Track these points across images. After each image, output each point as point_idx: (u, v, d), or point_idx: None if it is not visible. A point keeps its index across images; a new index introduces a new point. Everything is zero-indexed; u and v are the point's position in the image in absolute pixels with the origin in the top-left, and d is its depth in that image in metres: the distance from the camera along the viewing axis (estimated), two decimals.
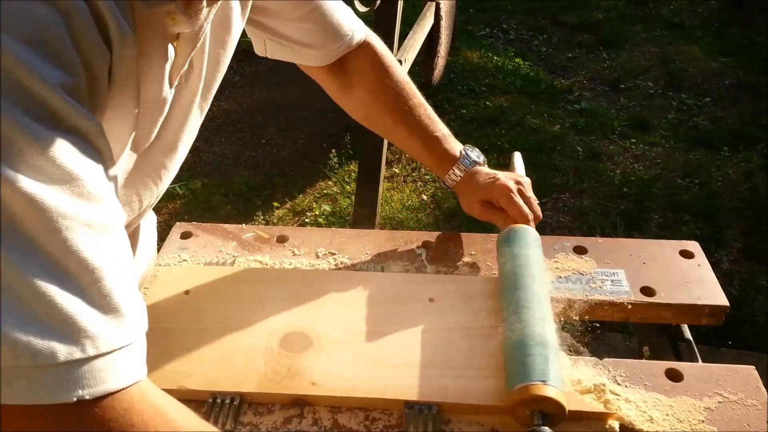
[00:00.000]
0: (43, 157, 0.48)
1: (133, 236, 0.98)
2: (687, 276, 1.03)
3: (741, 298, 2.47)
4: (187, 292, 0.98)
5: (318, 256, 1.09)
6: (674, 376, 0.86)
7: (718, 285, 1.01)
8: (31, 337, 0.47)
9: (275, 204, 3.03)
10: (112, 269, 0.52)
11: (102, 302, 0.51)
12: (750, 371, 0.87)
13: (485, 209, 1.06)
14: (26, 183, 0.47)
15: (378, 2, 2.14)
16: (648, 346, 1.04)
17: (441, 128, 1.10)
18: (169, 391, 0.82)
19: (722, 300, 0.99)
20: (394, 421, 0.81)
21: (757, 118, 3.61)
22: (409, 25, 2.88)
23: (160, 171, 0.80)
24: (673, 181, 3.16)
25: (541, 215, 1.05)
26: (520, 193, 1.04)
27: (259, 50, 1.05)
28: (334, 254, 1.10)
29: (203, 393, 0.82)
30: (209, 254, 1.10)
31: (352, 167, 3.20)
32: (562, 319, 0.95)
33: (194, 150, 3.41)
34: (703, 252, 1.08)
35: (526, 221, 1.01)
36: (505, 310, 0.88)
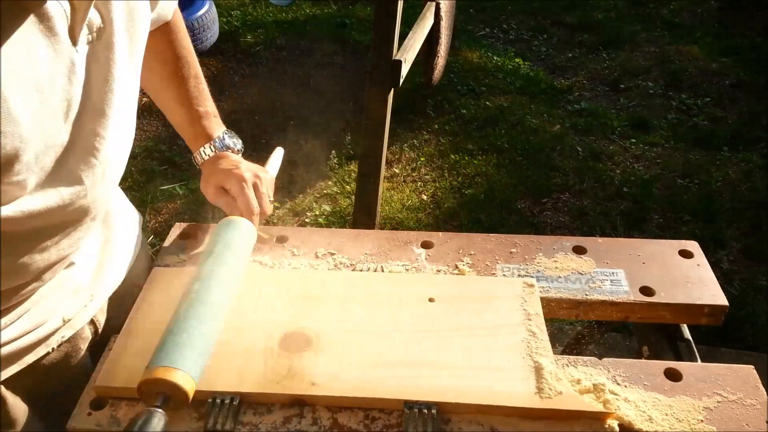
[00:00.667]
0: None
1: (112, 233, 0.96)
2: (686, 276, 1.03)
3: (741, 298, 2.47)
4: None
5: (317, 257, 1.09)
6: (673, 375, 0.86)
7: (718, 285, 1.01)
8: None
9: (275, 204, 3.03)
10: None
11: None
12: (749, 371, 0.87)
13: (218, 194, 1.07)
14: None
15: None
16: (647, 346, 1.05)
17: (208, 105, 1.10)
18: None
19: (722, 300, 0.99)
20: (394, 420, 0.81)
21: (757, 118, 3.62)
22: (409, 25, 2.89)
23: (93, 140, 0.74)
24: (672, 181, 3.17)
25: (268, 212, 1.06)
26: (255, 187, 1.04)
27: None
28: (334, 254, 1.10)
29: (203, 393, 0.82)
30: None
31: (352, 167, 3.20)
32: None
33: None
34: (702, 252, 1.08)
35: (250, 214, 1.02)
36: (183, 293, 0.88)
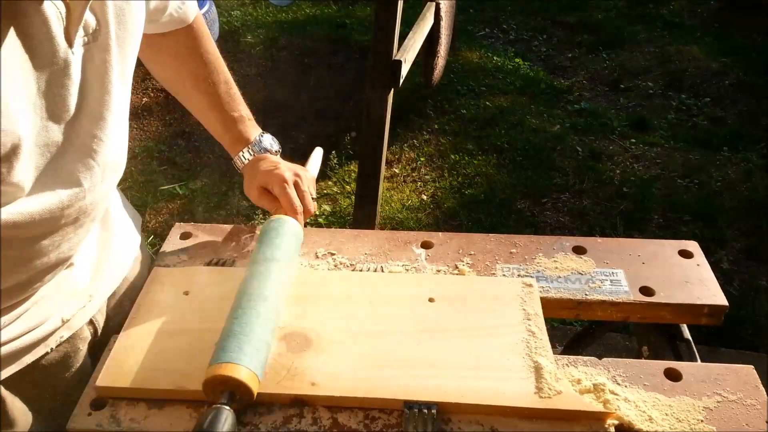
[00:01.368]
0: None
1: (111, 234, 0.96)
2: (686, 276, 1.03)
3: (740, 298, 2.47)
4: (186, 293, 0.98)
5: (317, 257, 1.09)
6: (673, 375, 0.86)
7: (718, 285, 1.01)
8: None
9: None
10: None
11: None
12: (749, 371, 0.87)
13: (261, 195, 1.07)
14: None
15: None
16: (647, 346, 1.05)
17: (242, 110, 1.11)
18: (169, 392, 0.83)
19: (721, 300, 0.99)
20: (394, 420, 0.81)
21: (757, 118, 3.62)
22: (409, 25, 2.89)
23: (91, 143, 0.75)
24: (672, 181, 3.17)
25: (312, 210, 1.07)
26: (296, 186, 1.05)
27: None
28: (334, 254, 1.10)
29: (203, 393, 0.82)
30: (209, 254, 1.10)
31: (352, 167, 3.20)
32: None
33: (194, 150, 3.42)
34: (702, 252, 1.09)
35: (294, 213, 1.03)
36: (237, 292, 0.90)
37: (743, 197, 3.04)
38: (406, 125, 3.50)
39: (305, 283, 0.99)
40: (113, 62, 0.75)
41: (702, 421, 0.80)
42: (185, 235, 1.14)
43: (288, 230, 1.00)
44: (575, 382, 0.84)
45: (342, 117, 3.58)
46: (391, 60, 2.40)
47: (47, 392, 0.90)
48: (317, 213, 2.96)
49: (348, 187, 3.11)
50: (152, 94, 3.66)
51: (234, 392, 0.78)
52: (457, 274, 1.05)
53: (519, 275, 1.04)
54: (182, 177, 3.20)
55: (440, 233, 1.14)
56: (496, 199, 3.03)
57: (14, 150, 0.64)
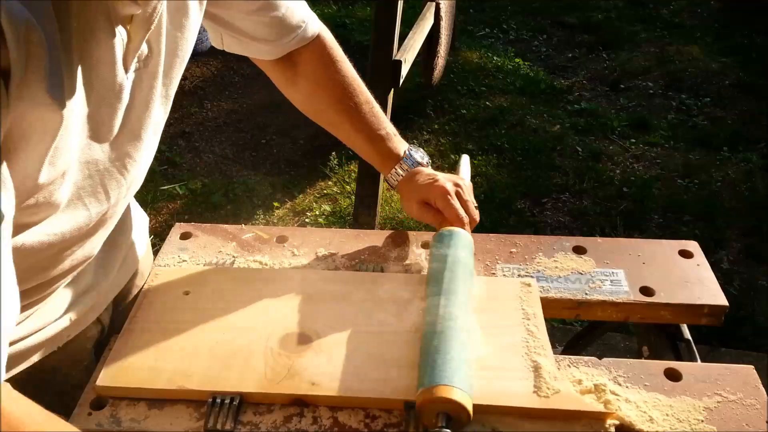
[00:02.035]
0: None
1: (120, 235, 0.97)
2: (686, 276, 1.03)
3: (741, 298, 2.47)
4: (186, 293, 0.98)
5: (318, 257, 1.09)
6: (673, 376, 0.86)
7: (718, 285, 1.01)
8: None
9: (275, 204, 3.03)
10: None
11: None
12: (749, 371, 0.87)
13: (423, 210, 1.06)
14: None
15: None
16: (647, 346, 1.04)
17: (387, 126, 1.10)
18: (169, 392, 0.83)
19: (721, 300, 0.99)
20: (395, 419, 0.81)
21: (757, 118, 3.62)
22: (409, 25, 2.89)
23: (125, 160, 0.78)
24: (672, 181, 3.17)
25: (477, 219, 1.05)
26: (458, 195, 1.04)
27: (216, 43, 1.05)
28: (334, 254, 1.10)
29: (203, 393, 0.82)
30: (209, 255, 1.10)
31: (352, 167, 3.20)
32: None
33: (194, 150, 3.42)
34: (702, 252, 1.08)
35: (461, 224, 1.01)
36: (427, 312, 0.89)
37: (743, 197, 3.04)
38: (406, 125, 3.50)
39: (305, 283, 0.99)
40: (158, 87, 0.78)
41: (702, 421, 0.80)
42: (185, 235, 1.14)
43: (463, 242, 0.98)
44: (576, 382, 0.84)
45: None
46: (391, 60, 2.40)
47: (53, 391, 0.90)
48: (317, 213, 2.96)
49: (348, 187, 3.11)
50: None
51: (449, 414, 0.76)
52: None
53: (519, 275, 1.04)
54: (182, 177, 3.20)
55: None
56: (496, 199, 3.03)
57: (63, 174, 0.67)
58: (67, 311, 0.88)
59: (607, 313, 1.00)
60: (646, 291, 1.00)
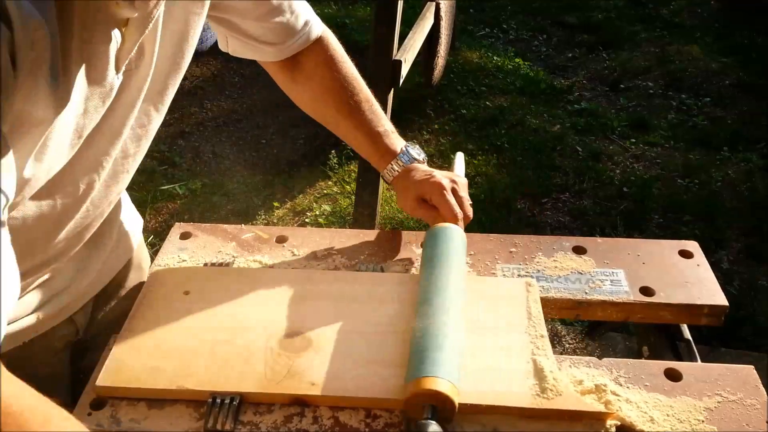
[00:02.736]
0: None
1: (103, 236, 0.96)
2: (686, 276, 1.03)
3: (741, 298, 2.47)
4: (186, 293, 0.98)
5: (317, 257, 1.09)
6: (673, 376, 0.86)
7: (718, 285, 1.01)
8: None
9: (275, 204, 3.03)
10: None
11: None
12: (749, 371, 0.87)
13: (418, 206, 1.06)
14: None
15: None
16: (647, 346, 1.04)
17: (385, 124, 1.11)
18: (169, 392, 0.83)
19: (721, 300, 0.99)
20: (396, 419, 0.81)
21: (757, 118, 3.62)
22: (409, 25, 2.89)
23: (102, 159, 0.78)
24: (672, 181, 3.17)
25: (471, 216, 1.05)
26: (454, 192, 1.04)
27: (222, 46, 1.07)
28: (334, 254, 1.10)
29: (203, 393, 0.82)
30: (209, 255, 1.10)
31: (352, 167, 3.20)
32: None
33: (194, 150, 3.42)
34: (702, 252, 1.08)
35: (456, 220, 1.02)
36: (418, 306, 0.89)
37: (743, 197, 3.04)
38: (406, 125, 3.50)
39: (305, 283, 0.99)
40: (146, 90, 0.78)
41: (703, 421, 0.80)
42: (185, 235, 1.14)
43: (457, 238, 0.99)
44: (577, 383, 0.84)
45: None
46: (391, 60, 2.40)
47: None
48: (317, 213, 2.96)
49: (348, 187, 3.11)
50: None
51: (436, 406, 0.77)
52: None
53: (519, 275, 1.04)
54: (182, 177, 3.20)
55: None
56: (496, 199, 3.03)
57: (48, 171, 0.68)
58: (37, 309, 0.88)
59: (607, 313, 1.00)
60: (646, 291, 1.00)
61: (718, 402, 0.82)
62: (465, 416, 0.81)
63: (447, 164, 3.25)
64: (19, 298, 0.84)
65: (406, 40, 2.64)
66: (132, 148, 0.84)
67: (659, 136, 3.51)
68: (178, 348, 0.88)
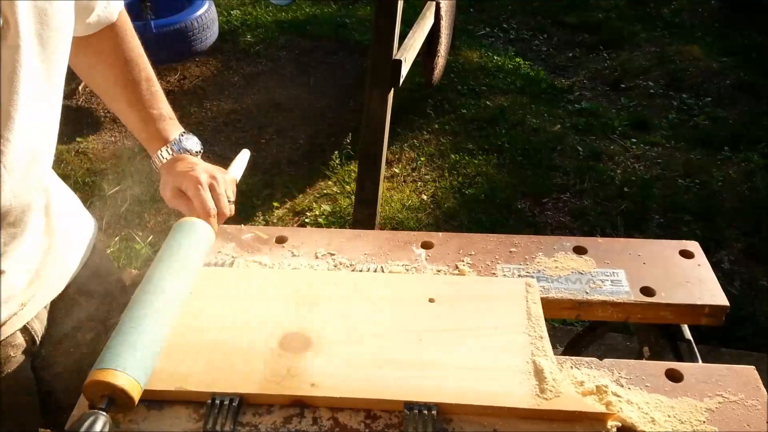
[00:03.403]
0: None
1: (49, 237, 0.94)
2: (687, 276, 1.03)
3: (741, 298, 2.46)
4: None
5: (317, 257, 1.09)
6: (674, 376, 0.86)
7: (718, 285, 1.01)
8: None
9: (275, 204, 3.03)
10: None
11: None
12: (750, 371, 0.86)
13: (175, 196, 1.05)
14: None
15: None
16: (648, 347, 1.04)
17: (163, 108, 1.08)
18: (169, 392, 0.82)
19: (722, 300, 0.98)
20: (396, 419, 0.81)
21: (757, 118, 3.61)
22: (409, 25, 2.88)
23: None
24: (673, 181, 3.16)
25: (227, 213, 1.04)
26: (211, 188, 1.03)
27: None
28: (334, 255, 1.09)
29: (203, 394, 0.82)
30: (208, 255, 1.09)
31: (352, 167, 3.20)
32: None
33: None
34: (703, 252, 1.08)
35: (206, 216, 1.01)
36: (135, 294, 0.88)
37: (744, 197, 3.03)
38: (406, 125, 3.50)
39: (305, 284, 0.99)
40: (24, 62, 0.74)
41: (704, 422, 0.80)
42: None
43: (198, 232, 0.98)
44: (578, 383, 0.84)
45: (342, 117, 3.57)
46: (391, 60, 2.40)
47: None
48: (317, 213, 2.96)
49: (348, 187, 3.11)
50: None
51: (112, 398, 0.76)
52: (457, 274, 1.04)
53: (519, 275, 1.04)
54: None
55: (440, 233, 1.14)
56: (496, 199, 3.03)
57: None
58: None
59: (608, 314, 1.00)
60: (646, 291, 1.00)
61: (719, 402, 0.82)
62: (465, 417, 0.81)
63: (447, 164, 3.26)
64: None
65: (406, 40, 2.63)
66: (34, 125, 0.78)
67: (660, 136, 3.51)
68: (177, 348, 0.88)
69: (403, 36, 2.60)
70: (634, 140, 3.47)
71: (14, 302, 0.89)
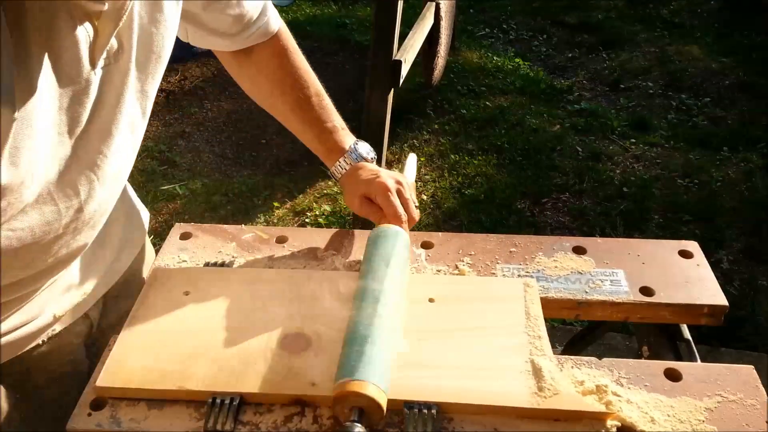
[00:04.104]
0: None
1: (109, 233, 0.96)
2: (686, 276, 1.03)
3: (741, 298, 2.47)
4: (186, 293, 0.98)
5: (317, 257, 1.09)
6: (673, 376, 0.86)
7: (718, 285, 1.01)
8: None
9: (275, 204, 3.03)
10: None
11: None
12: (749, 371, 0.87)
13: (364, 205, 1.06)
14: None
15: None
16: (647, 346, 1.04)
17: (335, 119, 1.11)
18: (169, 392, 0.83)
19: (721, 300, 0.99)
20: (396, 418, 0.81)
21: (757, 118, 3.62)
22: (409, 25, 2.89)
23: (96, 157, 0.77)
24: (672, 181, 3.17)
25: (416, 218, 1.05)
26: (399, 193, 1.04)
27: (182, 36, 1.05)
28: (334, 254, 1.10)
29: (203, 393, 0.82)
30: (209, 255, 1.10)
31: None
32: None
33: (194, 150, 3.42)
34: (702, 252, 1.08)
35: (399, 222, 1.01)
36: (355, 306, 0.89)
37: (743, 197, 3.04)
38: (406, 125, 3.50)
39: (305, 283, 0.99)
40: (130, 83, 0.77)
41: (703, 421, 0.80)
42: (185, 235, 1.14)
43: (398, 239, 0.98)
44: (578, 383, 0.84)
45: (342, 117, 3.58)
46: (391, 60, 2.40)
47: (35, 385, 0.91)
48: (317, 213, 2.96)
49: None
50: None
51: (362, 409, 0.76)
52: (457, 274, 1.05)
53: (519, 275, 1.04)
54: (182, 177, 3.20)
55: (440, 233, 1.14)
56: (496, 199, 3.03)
57: (32, 174, 0.67)
58: (50, 308, 0.88)
59: (607, 314, 1.00)
60: (646, 291, 1.00)
61: (718, 402, 0.82)
62: (465, 416, 0.81)
63: (447, 164, 3.27)
64: (32, 299, 0.85)
65: (406, 40, 2.64)
66: (126, 144, 0.83)
67: (659, 136, 3.51)
68: (177, 348, 0.88)
69: (403, 36, 2.60)
70: (633, 140, 3.48)
71: (76, 292, 0.92)
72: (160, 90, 3.64)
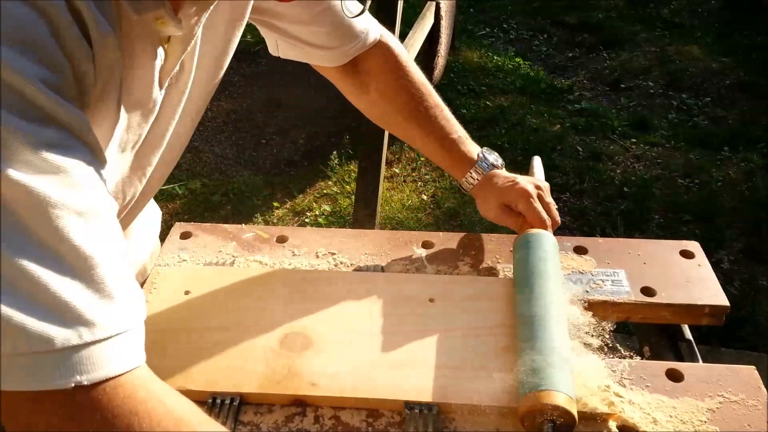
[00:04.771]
0: (31, 152, 0.49)
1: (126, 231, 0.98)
2: (687, 276, 1.03)
3: (741, 298, 2.46)
4: (186, 293, 0.98)
5: (318, 257, 1.09)
6: (675, 376, 0.86)
7: (719, 285, 1.01)
8: (30, 325, 0.48)
9: (275, 204, 3.03)
10: (105, 257, 0.53)
11: (96, 289, 0.52)
12: (750, 371, 0.86)
13: (503, 213, 1.05)
14: (17, 176, 0.48)
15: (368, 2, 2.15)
16: (648, 347, 1.04)
17: (458, 130, 1.09)
18: None
19: (722, 300, 0.98)
20: (398, 418, 0.81)
21: (757, 118, 3.61)
22: (409, 25, 2.88)
23: (146, 168, 0.81)
24: (673, 181, 3.16)
25: (559, 221, 1.05)
26: (540, 198, 1.04)
27: (272, 50, 1.05)
28: (334, 254, 1.09)
29: (203, 393, 0.82)
30: (209, 254, 1.09)
31: (352, 167, 3.20)
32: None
33: (194, 150, 3.41)
34: (703, 252, 1.08)
35: (544, 226, 1.01)
36: (520, 316, 0.88)
37: (744, 197, 3.03)
38: None
39: (305, 283, 0.99)
40: (186, 101, 0.79)
41: (705, 422, 0.80)
42: (185, 235, 1.14)
43: (550, 244, 0.98)
44: (580, 384, 0.84)
45: (342, 117, 3.57)
46: None
47: None
48: (317, 213, 2.96)
49: (348, 187, 3.11)
50: None
51: (554, 421, 0.75)
52: (457, 274, 1.04)
53: None
54: (182, 177, 3.20)
55: (440, 233, 1.14)
56: None
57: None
58: None
59: (608, 314, 1.00)
60: (647, 291, 1.00)
61: (720, 402, 0.82)
62: (465, 416, 0.81)
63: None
64: None
65: (406, 40, 2.63)
66: (170, 155, 0.85)
67: (660, 136, 3.51)
68: (177, 348, 0.88)
69: (403, 36, 2.60)
70: (633, 140, 3.48)
71: None
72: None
